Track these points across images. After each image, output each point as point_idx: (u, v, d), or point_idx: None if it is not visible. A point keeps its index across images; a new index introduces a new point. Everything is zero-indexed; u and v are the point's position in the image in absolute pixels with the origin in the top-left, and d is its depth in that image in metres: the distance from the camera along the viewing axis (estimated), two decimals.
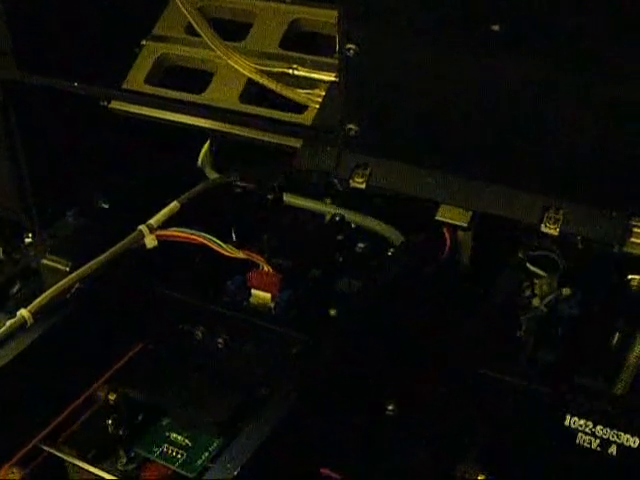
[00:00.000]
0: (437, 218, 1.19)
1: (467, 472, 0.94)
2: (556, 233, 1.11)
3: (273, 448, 0.88)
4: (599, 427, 0.97)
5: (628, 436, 0.96)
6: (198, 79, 1.39)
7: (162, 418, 1.06)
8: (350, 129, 1.17)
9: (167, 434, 1.04)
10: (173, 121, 1.35)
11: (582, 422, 0.97)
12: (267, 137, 1.28)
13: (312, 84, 1.30)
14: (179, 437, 1.03)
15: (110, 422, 1.03)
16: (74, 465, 1.04)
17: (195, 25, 1.31)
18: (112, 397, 1.04)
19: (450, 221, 1.19)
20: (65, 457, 1.03)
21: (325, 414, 0.98)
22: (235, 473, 0.85)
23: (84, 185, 1.42)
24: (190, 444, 1.02)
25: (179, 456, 1.01)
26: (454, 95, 1.08)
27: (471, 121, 1.10)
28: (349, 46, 1.12)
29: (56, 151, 1.41)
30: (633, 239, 1.11)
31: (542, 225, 1.11)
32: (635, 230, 1.11)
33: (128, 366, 1.11)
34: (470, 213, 1.18)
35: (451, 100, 1.09)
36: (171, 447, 1.03)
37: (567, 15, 0.95)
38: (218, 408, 1.03)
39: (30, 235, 1.46)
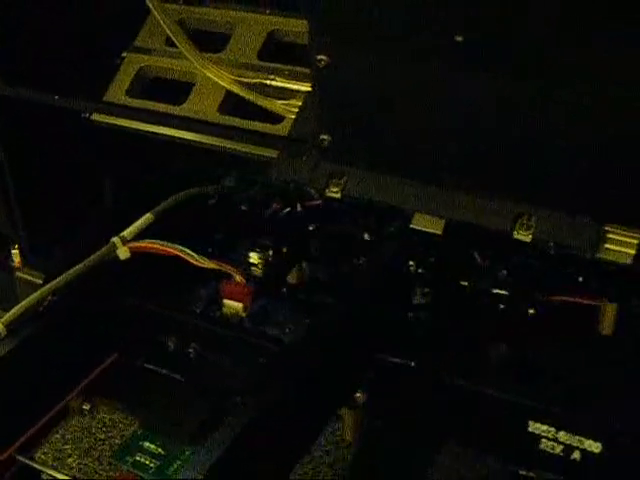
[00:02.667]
0: (411, 226, 1.20)
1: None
2: (528, 240, 1.11)
3: (239, 453, 0.89)
4: (562, 433, 0.97)
5: (591, 442, 0.96)
6: (179, 90, 1.40)
7: (136, 427, 1.07)
8: (323, 139, 1.18)
9: (140, 443, 1.05)
10: (153, 133, 1.36)
11: (545, 428, 0.98)
12: (245, 148, 1.29)
13: (289, 94, 1.31)
14: (152, 446, 1.04)
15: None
16: (49, 475, 1.04)
17: (173, 38, 1.33)
18: (86, 407, 1.05)
19: (424, 229, 1.20)
20: (40, 467, 1.04)
21: (292, 421, 0.99)
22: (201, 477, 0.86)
23: (71, 197, 1.43)
24: (163, 453, 1.03)
25: (152, 465, 1.02)
26: (423, 105, 1.09)
27: (442, 130, 1.11)
28: (320, 57, 1.13)
29: (40, 163, 1.42)
30: (607, 245, 1.12)
31: (514, 232, 1.11)
32: (609, 236, 1.11)
33: (102, 377, 1.12)
34: (443, 221, 1.19)
35: (420, 110, 1.10)
36: (144, 456, 1.04)
37: (528, 25, 0.95)
38: (190, 417, 1.04)
39: (17, 247, 1.47)
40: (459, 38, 0.98)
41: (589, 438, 0.98)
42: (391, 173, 1.17)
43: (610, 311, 1.18)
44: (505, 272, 1.25)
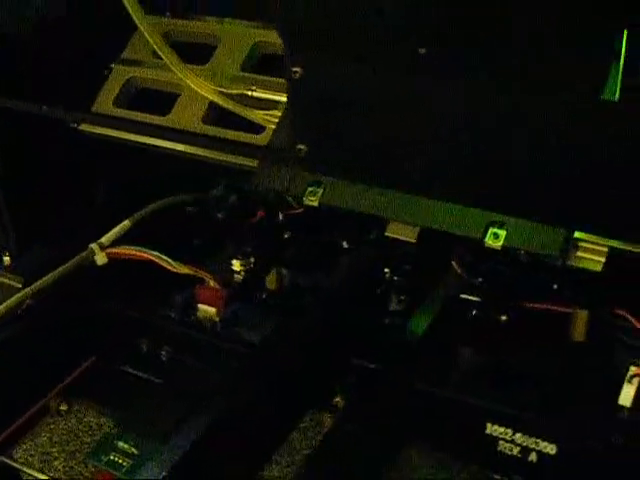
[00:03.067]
0: (386, 234, 1.22)
1: None
2: (499, 247, 1.13)
3: (202, 453, 0.92)
4: (518, 435, 1.00)
5: (546, 443, 0.98)
6: (165, 101, 1.43)
7: (112, 428, 1.10)
8: (300, 149, 1.21)
9: (115, 443, 1.08)
10: (139, 142, 1.39)
11: (502, 430, 1.00)
12: (227, 158, 1.33)
13: (271, 105, 1.34)
14: (126, 446, 1.07)
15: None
16: (29, 475, 1.07)
17: (158, 50, 1.35)
18: (64, 408, 1.08)
19: (399, 237, 1.22)
20: (19, 466, 1.07)
21: (258, 423, 1.02)
22: (161, 476, 0.88)
23: (60, 203, 1.46)
24: (137, 452, 1.06)
25: (125, 464, 1.05)
26: (394, 116, 1.12)
27: (413, 140, 1.13)
28: (295, 69, 1.16)
29: (29, 171, 1.45)
30: (578, 253, 1.14)
31: (486, 240, 1.13)
32: (579, 244, 1.13)
33: (80, 379, 1.15)
34: (417, 229, 1.21)
35: (391, 120, 1.13)
36: (118, 455, 1.06)
37: (488, 36, 0.98)
38: (164, 417, 1.06)
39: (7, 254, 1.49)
40: (422, 50, 1.00)
41: (545, 440, 1.00)
42: (367, 182, 1.19)
43: (581, 318, 1.20)
44: (480, 279, 1.27)
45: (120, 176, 1.45)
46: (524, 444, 1.01)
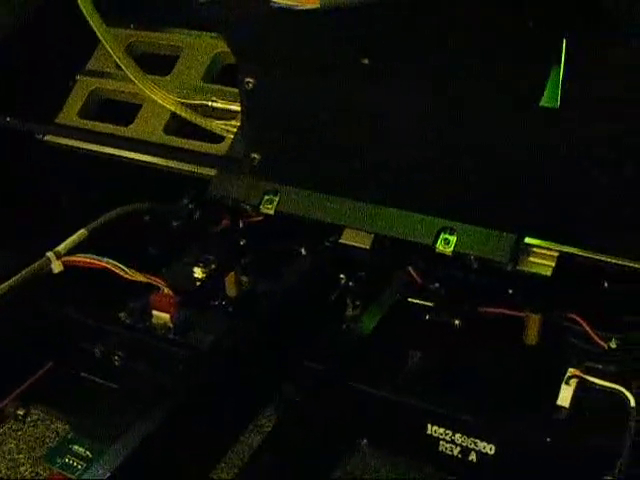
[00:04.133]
0: (341, 241, 1.24)
1: None
2: (449, 253, 1.16)
3: (146, 454, 0.94)
4: (458, 435, 1.02)
5: (485, 444, 1.00)
6: (129, 111, 1.46)
7: (67, 431, 1.12)
8: (254, 158, 1.23)
9: (70, 446, 1.10)
10: (103, 153, 1.42)
11: (442, 431, 1.02)
12: (186, 167, 1.35)
13: (230, 115, 1.36)
14: (81, 449, 1.09)
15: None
16: None
17: (119, 62, 1.38)
18: (21, 412, 1.10)
19: (353, 243, 1.24)
20: None
21: (204, 425, 1.04)
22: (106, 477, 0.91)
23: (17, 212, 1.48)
24: (90, 455, 1.08)
25: (79, 467, 1.07)
26: (343, 125, 1.14)
27: (363, 148, 1.16)
28: (247, 80, 1.18)
29: None
30: (529, 258, 1.17)
31: (436, 246, 1.16)
32: (529, 250, 1.15)
33: (38, 384, 1.17)
34: (372, 236, 1.24)
35: (341, 130, 1.15)
36: (73, 458, 1.09)
37: (427, 46, 1.00)
38: (118, 422, 1.08)
39: None
40: (365, 61, 1.02)
41: (483, 440, 1.02)
42: (320, 190, 1.21)
43: (534, 322, 1.22)
44: (436, 284, 1.29)
45: (81, 185, 1.46)
46: (464, 444, 1.03)
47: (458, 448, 1.03)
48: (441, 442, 1.03)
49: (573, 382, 0.98)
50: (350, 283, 1.28)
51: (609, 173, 1.04)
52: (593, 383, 0.97)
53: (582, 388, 0.99)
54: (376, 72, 1.05)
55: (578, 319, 1.16)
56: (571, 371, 0.99)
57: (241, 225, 1.38)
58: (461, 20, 0.95)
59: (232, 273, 1.28)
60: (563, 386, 0.99)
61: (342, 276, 1.28)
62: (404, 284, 1.29)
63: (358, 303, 1.28)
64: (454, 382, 1.12)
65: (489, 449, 1.01)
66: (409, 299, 1.25)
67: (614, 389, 0.95)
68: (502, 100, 1.03)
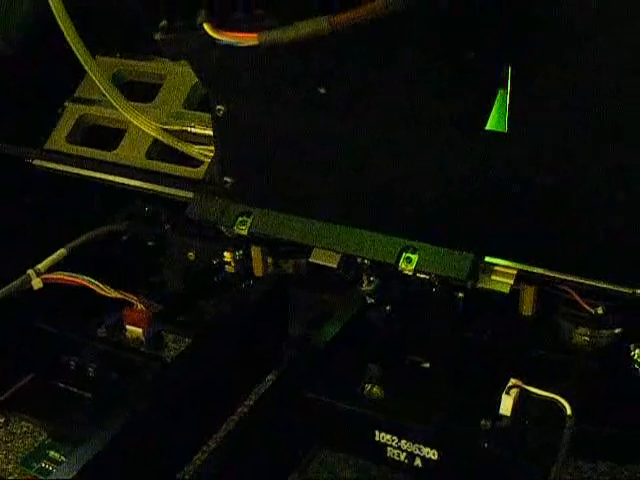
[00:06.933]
0: (310, 260, 1.31)
1: None
2: (411, 272, 1.21)
3: (112, 455, 1.01)
4: (404, 441, 1.08)
5: (428, 449, 1.06)
6: (114, 136, 1.53)
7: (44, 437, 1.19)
8: (226, 181, 1.30)
9: (46, 452, 1.17)
10: (88, 177, 1.49)
11: (389, 437, 1.08)
12: (166, 190, 1.42)
13: (208, 140, 1.43)
14: (56, 454, 1.16)
15: None
16: None
17: (103, 90, 1.45)
18: (1, 420, 1.17)
19: (322, 262, 1.31)
20: None
21: (167, 431, 1.11)
22: (71, 476, 0.97)
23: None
24: (65, 460, 1.15)
25: (55, 471, 1.14)
26: (308, 150, 1.20)
27: (328, 172, 1.22)
28: (218, 107, 1.25)
29: None
30: (490, 276, 1.22)
31: (399, 264, 1.22)
32: (488, 268, 1.21)
33: (18, 394, 1.25)
34: (339, 255, 1.30)
35: (306, 154, 1.21)
36: (48, 462, 1.15)
37: (375, 74, 1.06)
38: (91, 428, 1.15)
39: None
40: (322, 90, 1.08)
41: (427, 446, 1.08)
42: (288, 212, 1.28)
43: (529, 293, 1.28)
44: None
45: (61, 205, 1.53)
46: (409, 450, 1.09)
47: (404, 454, 1.08)
48: (388, 448, 1.09)
49: (513, 392, 1.03)
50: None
51: (559, 194, 1.09)
52: (532, 393, 1.02)
53: (523, 397, 1.04)
54: (331, 101, 1.10)
55: (569, 290, 1.22)
56: (512, 382, 1.04)
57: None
58: (404, 52, 1.00)
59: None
60: (504, 396, 1.04)
61: None
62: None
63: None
64: (401, 391, 1.18)
65: (433, 454, 1.06)
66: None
67: (552, 398, 1.00)
68: (452, 125, 1.08)
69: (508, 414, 1.03)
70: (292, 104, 1.15)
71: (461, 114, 1.06)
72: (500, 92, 1.06)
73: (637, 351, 1.26)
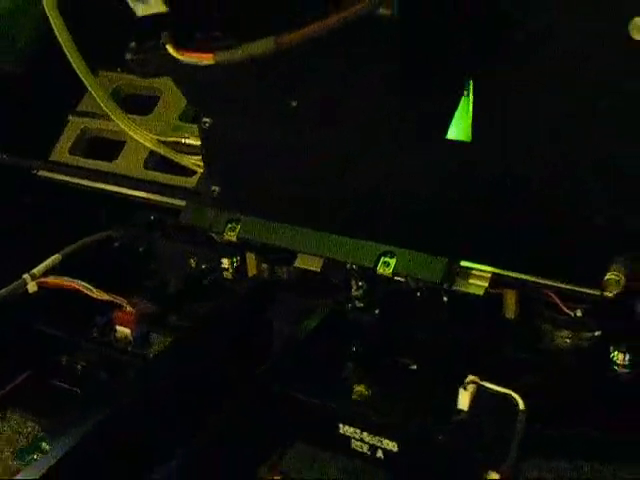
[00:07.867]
0: (295, 265, 1.37)
1: (267, 474, 1.11)
2: (389, 275, 1.27)
3: (79, 457, 1.07)
4: (365, 434, 1.13)
5: (388, 441, 1.12)
6: (114, 148, 1.61)
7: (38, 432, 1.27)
8: (214, 190, 1.36)
9: (39, 444, 1.24)
10: (89, 187, 1.57)
11: (352, 430, 1.14)
12: (161, 198, 1.49)
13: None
14: (48, 447, 1.23)
15: None
16: None
17: (102, 104, 1.51)
18: None
19: (306, 267, 1.37)
20: None
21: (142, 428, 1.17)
22: (39, 475, 1.02)
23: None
24: None
25: None
26: (286, 160, 1.26)
27: (308, 181, 1.28)
28: (204, 120, 1.31)
29: None
30: (466, 279, 1.28)
31: (378, 268, 1.27)
32: (464, 271, 1.26)
33: (15, 391, 1.32)
34: (322, 260, 1.36)
35: (285, 164, 1.27)
36: (41, 455, 1.22)
37: (342, 85, 1.12)
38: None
39: None
40: (294, 103, 1.15)
41: (386, 438, 1.14)
42: (273, 219, 1.34)
43: (511, 297, 1.33)
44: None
45: (57, 213, 1.61)
46: (371, 442, 1.15)
47: (367, 446, 1.14)
48: (352, 440, 1.14)
49: (470, 387, 1.09)
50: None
51: (527, 199, 1.13)
52: (488, 388, 1.07)
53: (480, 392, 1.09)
54: (304, 112, 1.16)
55: (550, 293, 1.26)
56: (469, 378, 1.09)
57: None
58: (367, 65, 1.05)
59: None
60: (461, 391, 1.09)
61: None
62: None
63: None
64: (369, 385, 1.24)
65: (393, 446, 1.12)
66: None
67: (506, 394, 1.05)
68: (420, 132, 1.13)
69: (465, 409, 1.08)
70: (267, 117, 1.20)
71: (428, 122, 1.10)
72: (464, 100, 1.10)
73: (616, 353, 1.29)
